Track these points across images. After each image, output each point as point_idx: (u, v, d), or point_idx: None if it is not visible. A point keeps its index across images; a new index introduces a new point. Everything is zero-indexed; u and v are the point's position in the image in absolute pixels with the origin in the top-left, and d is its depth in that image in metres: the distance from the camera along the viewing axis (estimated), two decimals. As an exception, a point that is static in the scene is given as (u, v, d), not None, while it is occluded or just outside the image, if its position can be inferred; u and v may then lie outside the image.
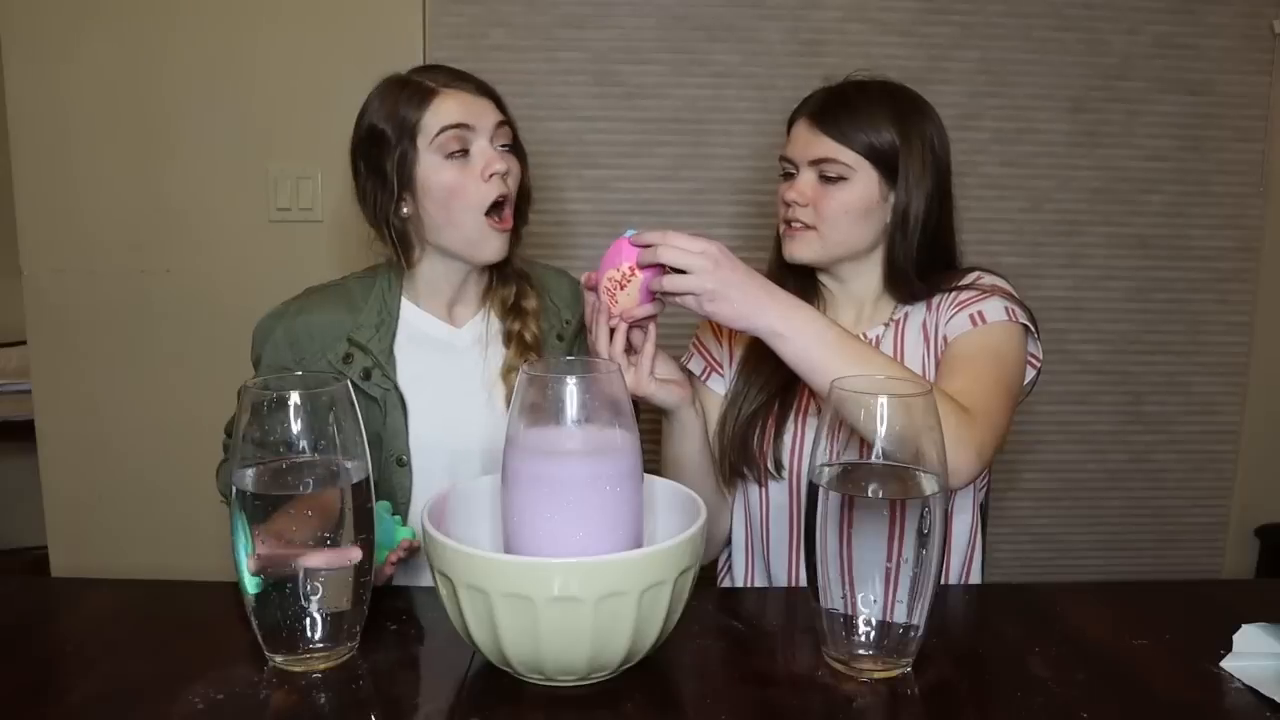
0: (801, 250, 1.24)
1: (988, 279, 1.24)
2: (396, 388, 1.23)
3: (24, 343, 2.01)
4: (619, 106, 1.97)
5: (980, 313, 1.19)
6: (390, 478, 1.22)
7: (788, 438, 1.25)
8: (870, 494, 0.84)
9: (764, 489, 1.27)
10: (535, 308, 1.31)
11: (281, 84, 1.91)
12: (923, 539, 0.83)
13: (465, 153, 1.19)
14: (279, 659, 0.87)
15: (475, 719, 0.81)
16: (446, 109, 1.19)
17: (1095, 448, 2.14)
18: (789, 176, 1.26)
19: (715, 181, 2.01)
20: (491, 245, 1.22)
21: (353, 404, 0.88)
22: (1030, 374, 1.24)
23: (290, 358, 1.22)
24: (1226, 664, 0.88)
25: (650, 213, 2.02)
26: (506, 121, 1.23)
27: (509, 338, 1.29)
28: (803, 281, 1.30)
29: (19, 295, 1.94)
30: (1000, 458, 2.07)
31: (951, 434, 1.02)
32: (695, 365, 1.37)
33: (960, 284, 1.23)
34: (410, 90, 1.20)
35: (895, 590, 0.84)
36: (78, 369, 1.97)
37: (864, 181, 1.20)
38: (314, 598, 0.86)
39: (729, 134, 2.00)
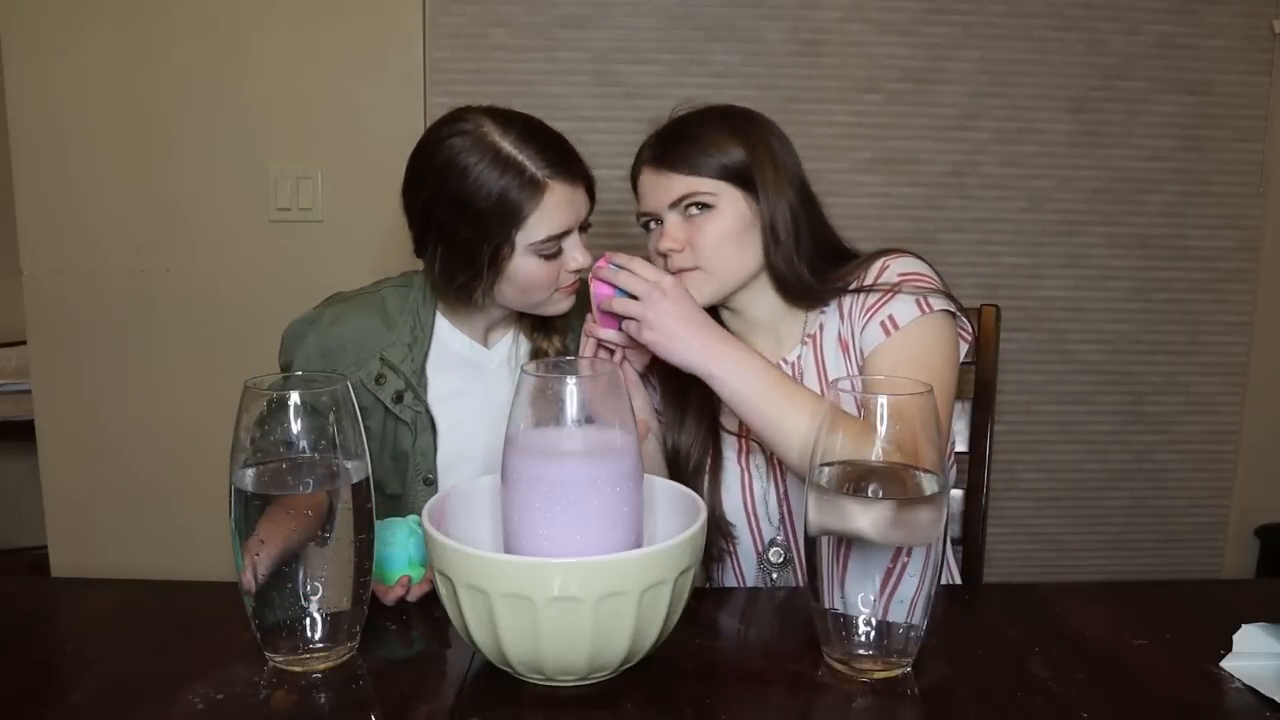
0: (696, 294, 1.15)
1: (895, 265, 1.17)
2: (428, 410, 1.22)
3: (24, 343, 2.01)
4: (619, 106, 1.97)
5: (890, 317, 1.13)
6: (417, 496, 1.22)
7: (717, 488, 1.23)
8: (870, 494, 0.84)
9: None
10: (562, 324, 1.29)
11: (281, 84, 1.91)
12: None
13: (559, 250, 1.17)
14: (279, 659, 0.87)
15: (475, 719, 0.81)
16: (553, 211, 1.14)
17: (1095, 448, 2.14)
18: (651, 230, 1.21)
19: (715, 181, 2.01)
20: (562, 305, 1.22)
21: (353, 404, 0.88)
22: (963, 348, 1.18)
23: (321, 368, 1.20)
24: (1226, 664, 0.88)
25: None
26: (592, 205, 1.21)
27: (537, 354, 1.29)
28: None
29: (19, 295, 1.95)
30: (1000, 458, 2.07)
31: None
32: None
33: (865, 282, 1.18)
34: (514, 176, 1.12)
35: (895, 590, 0.84)
36: (78, 369, 1.97)
37: (730, 204, 1.16)
38: (314, 598, 0.86)
39: (729, 134, 1.99)
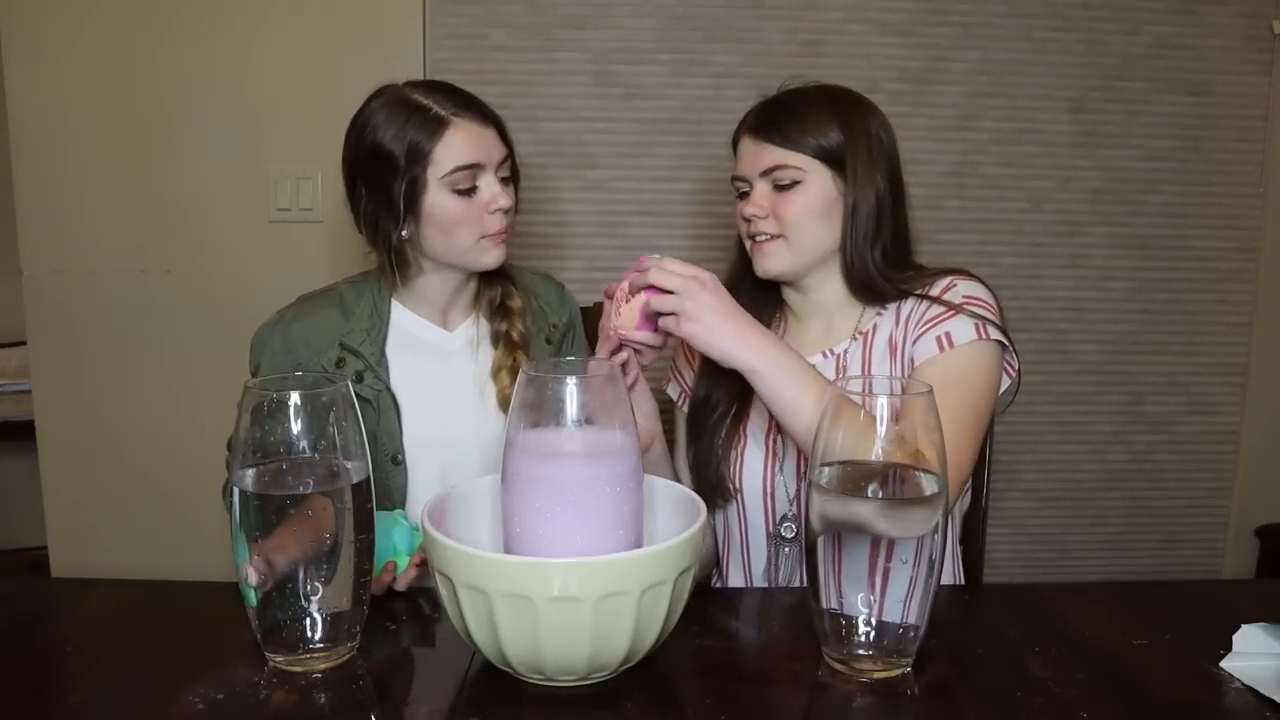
0: (774, 263, 1.22)
1: (961, 286, 1.20)
2: (389, 389, 1.25)
3: (24, 343, 2.01)
4: (619, 106, 1.97)
5: (948, 334, 1.15)
6: (386, 477, 1.24)
7: (738, 456, 1.25)
8: (870, 494, 0.84)
9: (721, 514, 1.28)
10: (520, 307, 1.33)
11: (281, 84, 1.91)
12: (922, 539, 0.83)
13: (474, 189, 1.22)
14: (279, 659, 0.87)
15: (475, 719, 0.81)
16: (459, 144, 1.20)
17: (1095, 448, 2.14)
18: (744, 196, 1.25)
19: (715, 181, 2.01)
20: (491, 255, 1.25)
21: (353, 404, 0.88)
22: (1006, 383, 1.21)
23: (288, 363, 1.24)
24: (1226, 664, 0.88)
25: (650, 213, 2.02)
26: (509, 153, 1.26)
27: (497, 338, 1.32)
28: (758, 295, 1.29)
29: (19, 295, 1.95)
30: (1000, 458, 2.07)
31: None
32: (672, 391, 1.38)
33: (930, 293, 1.20)
34: (419, 116, 1.20)
35: (895, 590, 0.84)
36: (78, 369, 1.97)
37: (818, 181, 1.19)
38: (314, 598, 0.86)
39: (729, 134, 1.99)
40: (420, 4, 1.91)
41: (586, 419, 0.85)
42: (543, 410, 0.85)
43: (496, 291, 1.33)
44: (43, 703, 0.82)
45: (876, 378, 0.91)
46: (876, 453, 0.84)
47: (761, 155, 1.21)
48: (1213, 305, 2.11)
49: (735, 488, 1.25)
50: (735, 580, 1.32)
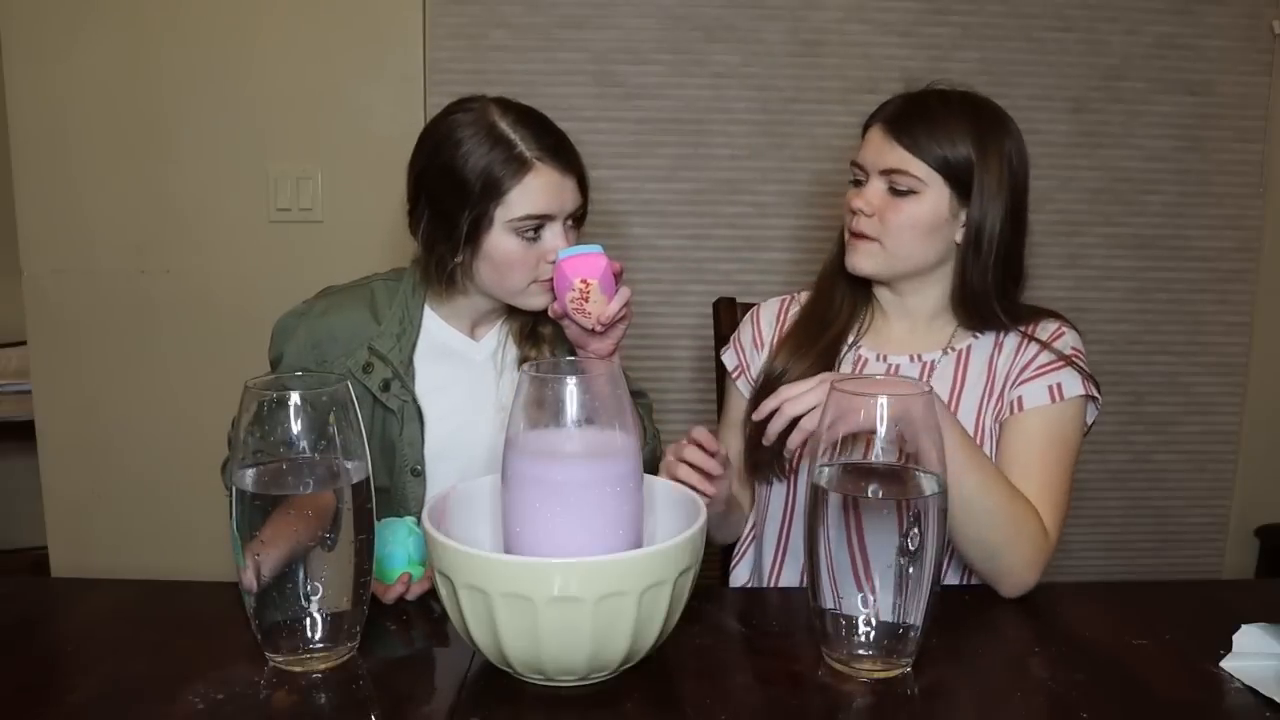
0: (864, 263, 1.20)
1: (1068, 337, 1.21)
2: (414, 399, 1.23)
3: (24, 343, 2.01)
4: (619, 106, 1.97)
5: (1059, 385, 1.16)
6: (404, 487, 1.22)
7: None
8: (870, 494, 0.84)
9: (769, 488, 1.28)
10: (551, 334, 1.30)
11: (281, 84, 1.91)
12: (922, 539, 0.83)
13: (537, 236, 1.18)
14: (279, 659, 0.87)
15: (475, 719, 0.81)
16: (535, 191, 1.16)
17: (1095, 448, 2.14)
18: (858, 184, 1.22)
19: (715, 181, 2.01)
20: (539, 299, 1.23)
21: (353, 404, 0.88)
22: None
23: (312, 359, 1.22)
24: (1226, 664, 0.88)
25: (650, 213, 2.02)
26: (583, 203, 1.23)
27: (524, 365, 1.29)
28: (855, 290, 1.28)
29: (19, 295, 1.95)
30: (1000, 458, 2.07)
31: (1029, 558, 1.07)
32: (729, 360, 1.35)
33: (1038, 335, 1.21)
34: (503, 151, 1.16)
35: (895, 590, 0.84)
36: (78, 369, 1.97)
37: (934, 196, 1.16)
38: (314, 598, 0.86)
39: (729, 134, 1.99)
40: (420, 4, 1.91)
41: (587, 419, 0.85)
42: (543, 410, 0.85)
43: (529, 316, 1.29)
44: (43, 703, 0.82)
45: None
46: (877, 453, 0.84)
47: (886, 153, 1.17)
48: (1213, 305, 2.11)
49: (790, 467, 1.24)
50: (768, 552, 1.30)
